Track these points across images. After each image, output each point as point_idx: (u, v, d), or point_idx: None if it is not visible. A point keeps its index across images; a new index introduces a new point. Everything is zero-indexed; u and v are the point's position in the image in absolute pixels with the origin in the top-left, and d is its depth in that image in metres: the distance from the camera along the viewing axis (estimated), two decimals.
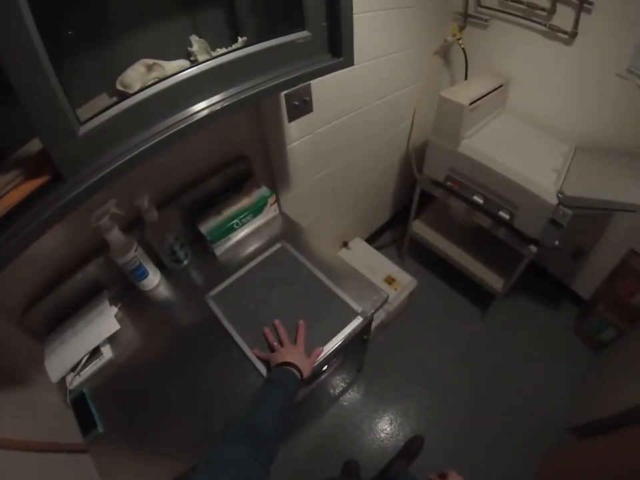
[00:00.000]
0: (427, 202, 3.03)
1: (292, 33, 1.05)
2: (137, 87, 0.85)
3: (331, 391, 2.24)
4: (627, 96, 2.25)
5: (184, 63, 0.98)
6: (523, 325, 2.93)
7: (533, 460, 2.24)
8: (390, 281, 2.62)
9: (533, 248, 2.28)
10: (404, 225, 3.01)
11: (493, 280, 2.68)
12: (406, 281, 2.64)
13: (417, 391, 2.52)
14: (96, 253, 1.36)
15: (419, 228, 2.95)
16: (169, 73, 0.88)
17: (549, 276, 3.19)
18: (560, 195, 2.03)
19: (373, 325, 2.39)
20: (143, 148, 0.83)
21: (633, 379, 2.14)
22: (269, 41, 1.01)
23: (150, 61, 0.91)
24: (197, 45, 1.01)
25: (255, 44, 0.99)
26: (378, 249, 3.08)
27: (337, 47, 1.16)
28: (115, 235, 1.24)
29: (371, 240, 3.22)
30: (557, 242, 2.17)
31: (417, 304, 2.88)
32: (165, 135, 0.86)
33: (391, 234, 3.44)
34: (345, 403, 2.44)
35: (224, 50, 1.02)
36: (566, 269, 3.08)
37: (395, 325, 2.77)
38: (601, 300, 2.71)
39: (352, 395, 2.48)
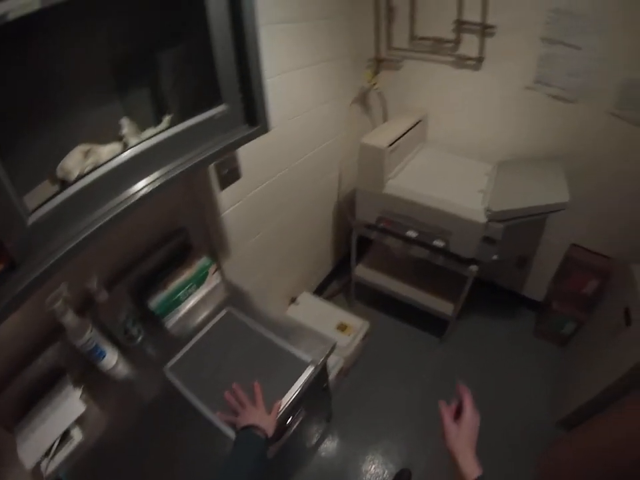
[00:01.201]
0: (367, 244, 3.13)
1: (211, 107, 1.15)
2: (76, 174, 0.91)
3: (306, 443, 2.24)
4: (538, 105, 2.48)
5: (116, 147, 1.05)
6: (484, 340, 3.04)
7: (529, 464, 2.30)
8: (342, 327, 2.67)
9: (474, 268, 2.38)
10: (348, 271, 3.09)
11: (442, 306, 2.78)
12: (358, 324, 2.70)
13: (392, 427, 2.54)
14: (54, 337, 1.37)
15: (362, 271, 3.04)
16: (104, 158, 0.95)
17: (499, 288, 3.33)
18: (488, 212, 2.16)
19: (334, 373, 2.45)
20: (90, 231, 0.89)
21: (600, 361, 2.29)
22: (191, 119, 1.10)
23: (86, 147, 0.98)
24: (127, 128, 1.09)
25: (179, 123, 1.08)
26: (327, 298, 3.18)
27: (253, 116, 1.27)
28: (70, 318, 1.27)
29: (319, 291, 3.29)
30: (495, 256, 2.29)
31: (375, 344, 2.93)
32: (109, 217, 0.92)
33: (337, 282, 3.50)
34: (323, 454, 2.43)
35: (152, 130, 1.11)
36: (514, 278, 3.23)
37: (356, 369, 2.81)
38: (554, 298, 2.87)
39: (328, 445, 2.47)
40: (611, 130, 2.35)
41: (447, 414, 1.02)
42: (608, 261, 2.70)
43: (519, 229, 2.22)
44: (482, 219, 2.16)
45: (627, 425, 1.73)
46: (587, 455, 1.93)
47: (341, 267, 3.47)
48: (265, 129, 1.33)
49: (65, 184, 0.90)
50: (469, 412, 1.00)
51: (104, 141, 1.04)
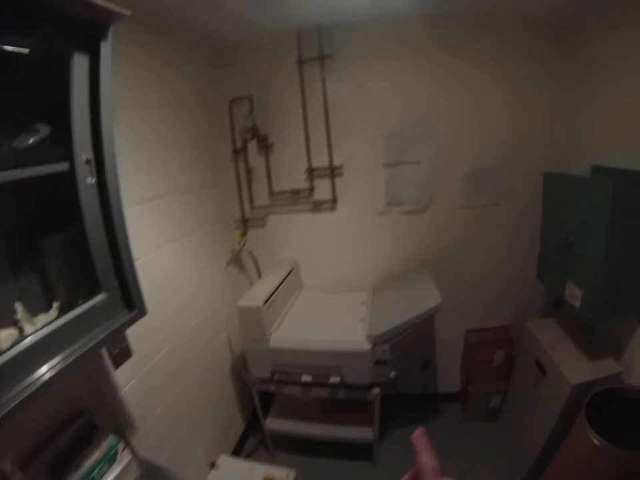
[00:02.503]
0: (272, 395, 3.17)
1: (93, 296, 1.27)
2: None
3: None
4: (396, 224, 2.86)
5: (13, 332, 1.12)
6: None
7: None
8: None
9: (376, 390, 2.49)
10: (261, 426, 3.07)
11: (361, 432, 2.81)
12: (283, 475, 2.60)
13: None
14: None
15: (273, 423, 3.04)
16: (3, 344, 1.02)
17: (414, 396, 3.44)
18: (370, 338, 2.34)
19: None
20: (5, 412, 0.93)
21: (533, 416, 2.45)
22: (77, 308, 1.21)
23: None
24: (20, 313, 1.17)
25: (67, 309, 1.19)
26: (247, 456, 3.12)
27: (130, 301, 1.41)
28: None
29: (237, 450, 3.21)
30: (392, 374, 2.43)
31: None
32: (15, 403, 0.96)
33: (253, 437, 3.42)
34: None
35: (44, 316, 1.20)
36: (424, 382, 3.37)
37: None
38: (470, 382, 3.05)
39: None
40: (466, 219, 2.80)
41: None
42: (506, 328, 2.99)
43: (409, 339, 2.42)
44: (366, 346, 2.34)
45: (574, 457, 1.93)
46: None
47: (253, 422, 3.42)
48: (142, 313, 1.46)
49: None
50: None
51: (1, 325, 1.12)
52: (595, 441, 1.71)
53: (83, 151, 1.18)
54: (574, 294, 2.06)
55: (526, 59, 2.56)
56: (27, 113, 1.17)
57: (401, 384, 3.14)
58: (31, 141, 1.12)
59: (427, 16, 2.48)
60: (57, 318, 1.15)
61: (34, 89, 1.19)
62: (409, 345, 2.68)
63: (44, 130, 1.15)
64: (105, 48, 1.22)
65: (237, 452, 3.17)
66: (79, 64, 1.17)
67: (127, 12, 1.22)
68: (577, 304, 2.04)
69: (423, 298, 2.47)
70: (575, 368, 2.13)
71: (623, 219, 1.76)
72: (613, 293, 1.89)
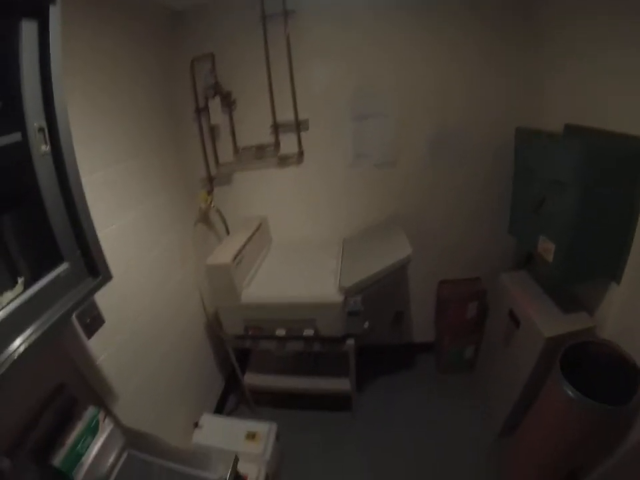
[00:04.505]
0: (249, 351, 3.25)
1: (55, 267, 1.26)
2: None
3: None
4: (365, 177, 2.87)
5: None
6: (395, 397, 3.19)
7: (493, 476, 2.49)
8: (251, 436, 2.64)
9: (350, 342, 2.55)
10: (240, 382, 3.14)
11: (339, 385, 2.90)
12: (265, 429, 2.70)
13: None
14: None
15: (252, 379, 3.11)
16: None
17: (389, 346, 3.56)
18: (341, 290, 2.36)
19: None
20: None
21: (507, 368, 2.56)
22: (41, 280, 1.21)
23: None
24: None
25: (31, 285, 1.19)
26: (230, 413, 3.22)
27: (94, 268, 1.41)
28: None
29: (219, 408, 3.28)
30: (366, 325, 2.48)
31: (291, 442, 2.93)
32: None
33: (234, 395, 3.51)
34: None
35: (10, 294, 1.18)
36: (398, 333, 3.48)
37: (285, 470, 2.80)
38: (444, 334, 3.16)
39: None
40: (436, 175, 2.84)
41: None
42: (479, 281, 3.08)
43: (382, 292, 2.45)
44: (338, 297, 2.37)
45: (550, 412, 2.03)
46: (532, 445, 2.20)
47: (232, 380, 3.48)
48: (107, 278, 1.47)
49: None
50: None
51: None
52: (570, 393, 1.79)
53: (35, 119, 1.16)
54: (547, 247, 2.10)
55: (495, 10, 2.49)
56: None
57: (375, 335, 3.19)
58: None
59: None
60: (22, 292, 1.16)
61: None
62: (383, 296, 2.72)
63: None
64: (54, 12, 1.18)
65: (218, 410, 3.26)
66: (27, 31, 1.13)
67: None
68: (550, 257, 2.08)
69: (393, 249, 2.50)
70: (549, 320, 2.18)
71: (594, 179, 1.78)
72: (586, 249, 1.93)
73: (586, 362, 1.97)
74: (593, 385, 1.80)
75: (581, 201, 1.82)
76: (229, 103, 2.79)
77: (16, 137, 1.13)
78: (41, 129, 1.18)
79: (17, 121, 1.14)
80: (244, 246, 2.61)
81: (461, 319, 3.05)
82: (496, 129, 2.67)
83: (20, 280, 1.26)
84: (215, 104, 2.73)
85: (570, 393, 1.79)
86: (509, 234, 2.67)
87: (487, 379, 2.93)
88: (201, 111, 2.85)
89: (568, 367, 1.89)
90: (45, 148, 1.21)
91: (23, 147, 1.15)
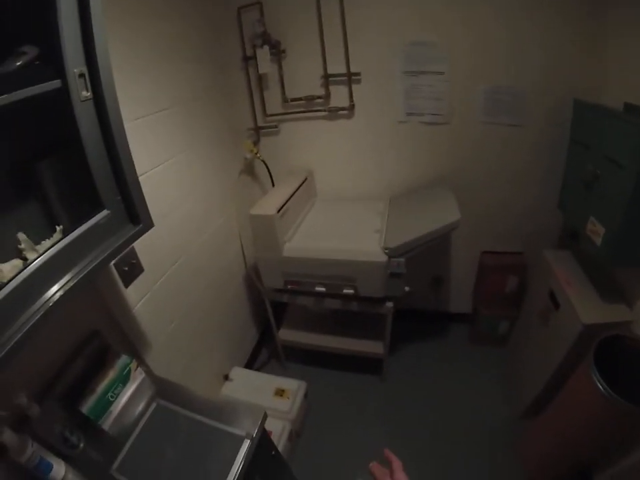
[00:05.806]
0: (285, 306, 3.26)
1: (95, 214, 1.24)
2: None
3: None
4: (416, 134, 2.76)
5: (17, 262, 1.13)
6: (425, 365, 3.19)
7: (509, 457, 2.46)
8: (280, 393, 2.71)
9: (389, 304, 2.52)
10: (274, 337, 3.16)
11: (372, 347, 2.90)
12: (295, 386, 2.76)
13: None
14: None
15: (286, 334, 3.13)
16: (7, 275, 1.02)
17: (425, 313, 3.52)
18: (386, 250, 2.30)
19: (284, 438, 2.45)
20: (15, 340, 0.94)
21: (540, 349, 2.48)
22: (79, 228, 1.18)
23: None
24: (24, 243, 1.18)
25: (70, 232, 1.16)
26: (260, 368, 3.26)
27: (135, 215, 1.38)
28: (8, 437, 1.26)
29: (250, 362, 3.33)
30: (406, 288, 2.44)
31: (319, 400, 2.97)
32: (24, 330, 0.97)
33: (266, 349, 3.56)
34: None
35: (48, 242, 1.20)
36: (435, 299, 3.45)
37: (307, 429, 2.83)
38: (481, 304, 3.10)
39: None
40: (487, 137, 2.66)
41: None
42: (521, 255, 2.97)
43: (424, 255, 2.39)
44: (382, 258, 2.31)
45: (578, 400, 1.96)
46: (555, 432, 2.16)
47: (266, 334, 3.54)
48: (148, 226, 1.44)
49: None
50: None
51: (3, 258, 1.12)
52: (600, 387, 1.72)
53: (75, 65, 1.11)
54: (595, 230, 1.99)
55: None
56: (11, 39, 1.09)
57: (412, 300, 3.16)
58: (19, 63, 1.05)
59: None
60: (60, 240, 1.14)
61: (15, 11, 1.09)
62: (422, 260, 2.67)
63: (32, 51, 1.08)
64: None
65: (249, 365, 3.30)
66: None
67: None
68: (598, 241, 1.96)
69: (441, 213, 2.41)
70: (588, 307, 2.09)
71: None
72: (637, 237, 1.81)
73: (618, 356, 1.89)
74: (621, 380, 1.74)
75: (637, 186, 1.68)
76: (278, 52, 2.69)
77: (56, 84, 1.09)
78: (81, 75, 1.14)
79: (57, 67, 1.09)
80: (289, 199, 2.58)
81: (500, 291, 2.98)
82: (551, 97, 2.50)
83: (58, 228, 1.26)
84: (264, 53, 2.64)
85: (600, 387, 1.72)
86: (558, 209, 2.55)
87: (519, 357, 2.86)
88: (249, 59, 2.77)
89: (599, 358, 1.83)
90: (87, 94, 1.16)
91: (63, 93, 1.11)
